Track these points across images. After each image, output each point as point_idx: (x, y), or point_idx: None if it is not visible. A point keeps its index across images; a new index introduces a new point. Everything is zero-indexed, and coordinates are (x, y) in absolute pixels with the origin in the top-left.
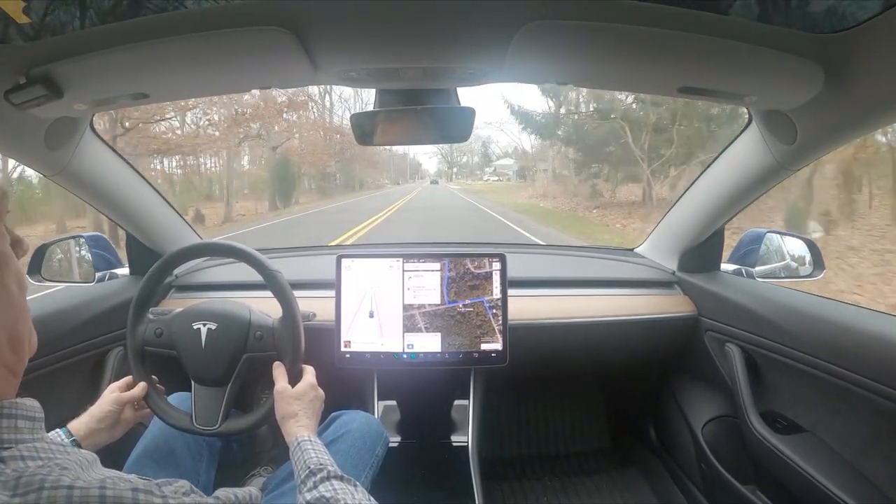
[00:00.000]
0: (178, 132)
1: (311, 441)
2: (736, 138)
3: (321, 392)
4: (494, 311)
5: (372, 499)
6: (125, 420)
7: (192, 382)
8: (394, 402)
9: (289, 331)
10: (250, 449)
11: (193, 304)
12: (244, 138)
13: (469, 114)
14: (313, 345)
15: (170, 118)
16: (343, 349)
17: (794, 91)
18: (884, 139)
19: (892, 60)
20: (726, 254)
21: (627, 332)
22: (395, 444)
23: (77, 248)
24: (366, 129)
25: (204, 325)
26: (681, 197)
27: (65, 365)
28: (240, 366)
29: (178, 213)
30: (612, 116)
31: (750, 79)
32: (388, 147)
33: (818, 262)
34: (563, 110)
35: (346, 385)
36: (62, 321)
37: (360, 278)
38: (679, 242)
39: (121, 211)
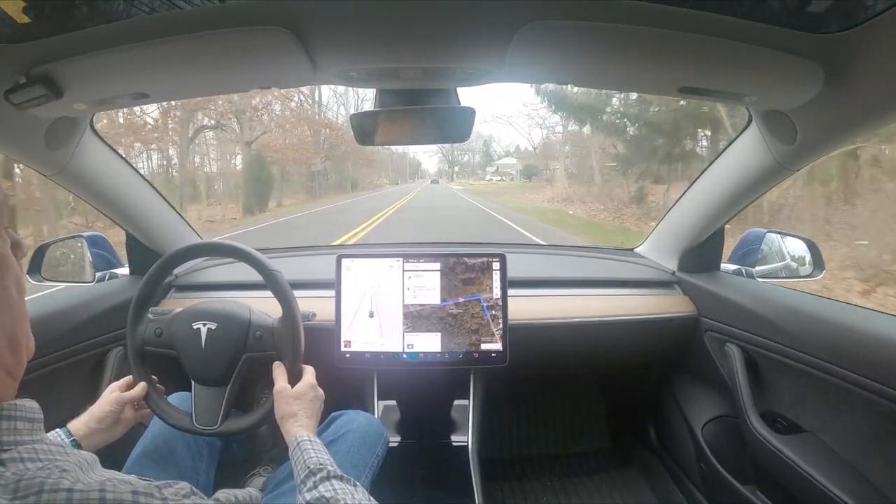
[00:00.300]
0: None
1: (310, 441)
2: (736, 138)
3: (321, 392)
4: (494, 311)
5: (372, 499)
6: (125, 420)
7: (192, 382)
8: (394, 402)
9: (289, 331)
10: (250, 449)
11: (193, 304)
12: (199, 130)
13: (469, 114)
14: (313, 345)
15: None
16: (343, 349)
17: (794, 91)
18: None
19: (892, 60)
20: (726, 254)
21: (627, 332)
22: (395, 444)
23: (77, 248)
24: (366, 129)
25: (204, 324)
26: (681, 197)
27: (65, 365)
28: (240, 366)
29: (178, 212)
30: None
31: (750, 79)
32: (387, 146)
33: (818, 263)
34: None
35: (346, 385)
36: (62, 321)
37: (360, 278)
38: (679, 242)
39: (121, 211)
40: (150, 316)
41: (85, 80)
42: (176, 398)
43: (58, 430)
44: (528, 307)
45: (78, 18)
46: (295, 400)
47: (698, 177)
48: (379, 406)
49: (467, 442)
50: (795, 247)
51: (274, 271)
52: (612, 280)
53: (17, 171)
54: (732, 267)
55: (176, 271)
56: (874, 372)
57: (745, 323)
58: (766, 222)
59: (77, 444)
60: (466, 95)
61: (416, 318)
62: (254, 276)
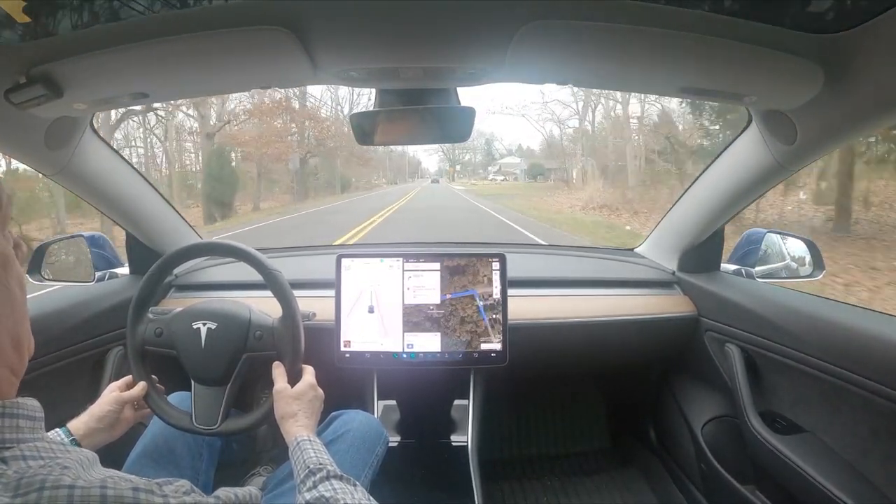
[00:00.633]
0: None
1: (310, 441)
2: (736, 138)
3: (321, 392)
4: (494, 311)
5: (371, 498)
6: (125, 420)
7: (192, 382)
8: (393, 402)
9: (289, 330)
10: (250, 448)
11: (193, 304)
12: (124, 116)
13: (469, 113)
14: (313, 344)
15: None
16: (343, 349)
17: (794, 91)
18: None
19: (892, 60)
20: (726, 254)
21: (627, 332)
22: (395, 444)
23: (77, 248)
24: (366, 128)
25: (204, 324)
26: (681, 197)
27: (65, 364)
28: (240, 365)
29: (177, 212)
30: None
31: (750, 79)
32: (385, 145)
33: (818, 263)
34: None
35: (345, 385)
36: (62, 321)
37: (360, 278)
38: (679, 242)
39: (121, 210)
40: (150, 316)
41: (85, 80)
42: (176, 398)
43: (58, 429)
44: (528, 307)
45: (78, 18)
46: (295, 400)
47: (698, 177)
48: (379, 406)
49: (467, 442)
50: (795, 247)
51: (274, 271)
52: (613, 280)
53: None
54: (732, 267)
55: (176, 271)
56: (874, 372)
57: (745, 323)
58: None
59: (77, 444)
60: (467, 94)
61: (416, 318)
62: (254, 275)
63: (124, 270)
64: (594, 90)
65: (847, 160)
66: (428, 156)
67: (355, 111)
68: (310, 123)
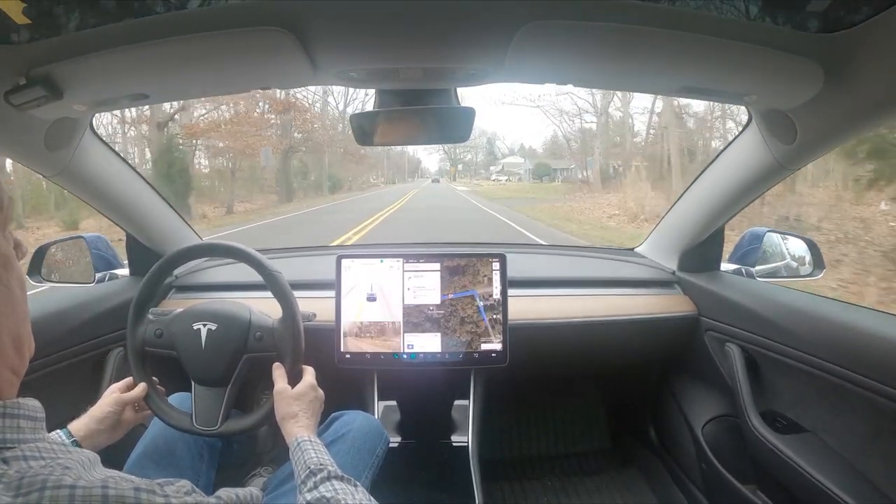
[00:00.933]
0: None
1: (311, 441)
2: (736, 138)
3: (321, 393)
4: (494, 311)
5: (372, 499)
6: (125, 421)
7: (192, 383)
8: (394, 403)
9: (289, 331)
10: (251, 449)
11: (193, 305)
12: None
13: (469, 114)
14: (313, 345)
15: None
16: (343, 349)
17: (794, 90)
18: None
19: (892, 60)
20: (726, 253)
21: (627, 331)
22: (396, 445)
23: (77, 249)
24: (366, 129)
25: (204, 325)
26: (681, 196)
27: (65, 366)
28: (240, 366)
29: (177, 213)
30: None
31: (750, 78)
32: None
33: (818, 262)
34: None
35: (346, 385)
36: (62, 322)
37: (361, 278)
38: (679, 242)
39: (121, 211)
40: (151, 317)
41: (85, 81)
42: (176, 399)
43: (58, 430)
44: (528, 307)
45: (78, 19)
46: (295, 401)
47: (698, 176)
48: (379, 406)
49: (467, 442)
50: (795, 246)
51: (274, 272)
52: (613, 280)
53: None
54: (732, 266)
55: (176, 272)
56: (874, 371)
57: (746, 322)
58: None
59: (77, 445)
60: (471, 92)
61: (417, 319)
62: (254, 276)
63: (124, 271)
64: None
65: None
66: (428, 154)
67: (355, 111)
68: (294, 114)
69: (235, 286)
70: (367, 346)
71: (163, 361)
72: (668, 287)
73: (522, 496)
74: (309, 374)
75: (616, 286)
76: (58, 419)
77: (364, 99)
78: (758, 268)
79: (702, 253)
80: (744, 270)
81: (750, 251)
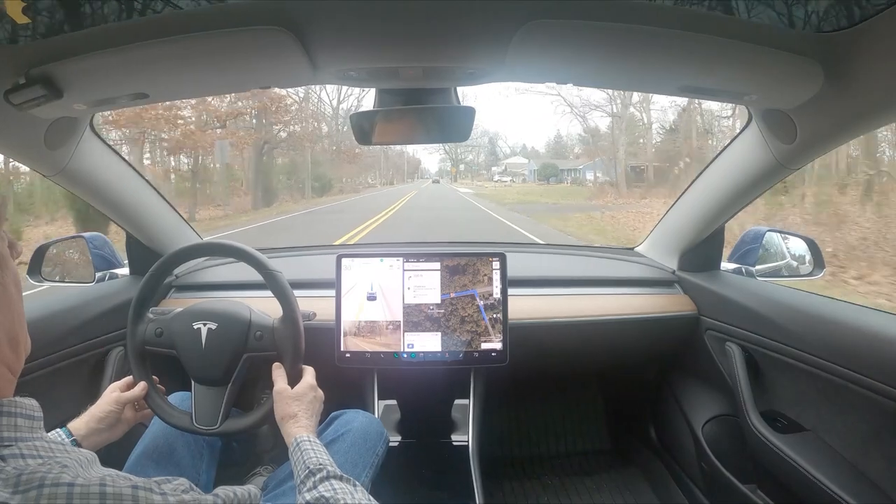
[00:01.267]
0: None
1: (310, 441)
2: (736, 137)
3: (321, 392)
4: (494, 310)
5: (372, 498)
6: (125, 420)
7: (192, 382)
8: (394, 402)
9: (289, 330)
10: (251, 448)
11: (193, 304)
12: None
13: (469, 113)
14: (313, 344)
15: None
16: (343, 349)
17: (794, 90)
18: None
19: (892, 60)
20: (726, 253)
21: (627, 331)
22: (396, 444)
23: (77, 248)
24: (366, 128)
25: (204, 324)
26: (681, 196)
27: (65, 365)
28: (240, 366)
29: (177, 212)
30: None
31: (750, 78)
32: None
33: (818, 261)
34: None
35: (346, 384)
36: (62, 321)
37: (361, 278)
38: (679, 241)
39: (121, 210)
40: (151, 316)
41: (85, 81)
42: (176, 398)
43: (58, 429)
44: (528, 306)
45: (77, 18)
46: (295, 401)
47: (698, 176)
48: (379, 406)
49: (467, 441)
50: (795, 246)
51: (274, 271)
52: (613, 279)
53: None
54: (732, 266)
55: (176, 271)
56: (875, 370)
57: (746, 322)
58: None
59: (77, 444)
60: (467, 92)
61: (417, 318)
62: (254, 276)
63: (124, 271)
64: None
65: None
66: (428, 154)
67: (350, 108)
68: (269, 102)
69: (235, 285)
70: (367, 345)
71: (163, 360)
72: (669, 286)
73: (522, 495)
74: (309, 374)
75: (616, 286)
76: (58, 418)
77: (360, 95)
78: (758, 267)
79: (702, 252)
80: (744, 270)
81: (750, 250)
